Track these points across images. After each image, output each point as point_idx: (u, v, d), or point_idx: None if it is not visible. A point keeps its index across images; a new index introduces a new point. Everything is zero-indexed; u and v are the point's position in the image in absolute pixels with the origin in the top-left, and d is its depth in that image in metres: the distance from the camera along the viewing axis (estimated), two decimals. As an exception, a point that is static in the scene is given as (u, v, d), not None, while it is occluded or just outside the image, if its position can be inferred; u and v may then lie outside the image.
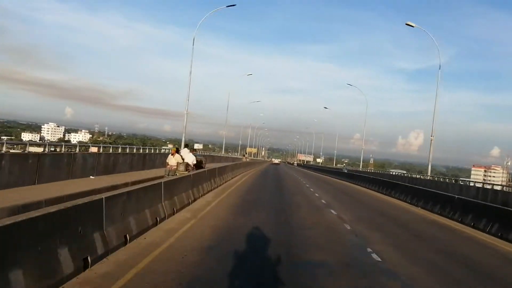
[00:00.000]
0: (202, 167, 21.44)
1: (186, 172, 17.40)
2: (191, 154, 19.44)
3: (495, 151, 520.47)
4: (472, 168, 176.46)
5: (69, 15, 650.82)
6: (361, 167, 74.18)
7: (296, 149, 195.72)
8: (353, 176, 45.74)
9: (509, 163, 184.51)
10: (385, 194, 29.08)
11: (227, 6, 46.43)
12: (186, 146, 24.28)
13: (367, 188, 35.03)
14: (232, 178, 30.11)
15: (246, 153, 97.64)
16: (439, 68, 38.84)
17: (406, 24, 38.98)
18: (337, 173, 59.95)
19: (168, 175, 17.21)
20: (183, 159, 18.38)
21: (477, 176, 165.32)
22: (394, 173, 61.56)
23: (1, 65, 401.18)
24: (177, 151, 18.79)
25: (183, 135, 39.12)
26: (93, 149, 25.59)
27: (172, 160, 18.15)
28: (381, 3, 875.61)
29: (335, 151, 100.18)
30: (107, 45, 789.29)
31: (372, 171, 76.71)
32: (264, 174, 45.66)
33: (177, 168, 17.79)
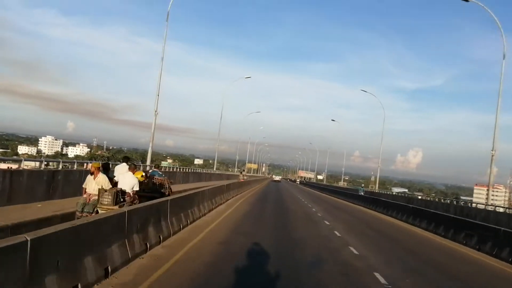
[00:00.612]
0: (163, 194, 14.90)
1: (116, 206, 10.29)
2: (130, 174, 11.89)
3: (493, 171, 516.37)
4: (475, 187, 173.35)
5: (73, 29, 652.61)
6: (377, 188, 69.61)
7: (297, 166, 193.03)
8: (376, 202, 36.12)
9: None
10: (428, 231, 22.09)
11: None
12: (125, 159, 14.78)
13: (397, 219, 27.80)
14: (219, 205, 21.91)
15: (244, 170, 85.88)
16: (503, 58, 31.37)
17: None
18: (352, 195, 48.97)
19: (82, 211, 10.59)
20: (114, 183, 11.43)
21: (479, 195, 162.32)
22: (420, 197, 58.50)
23: (4, 78, 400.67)
24: (105, 169, 11.69)
25: (150, 145, 32.67)
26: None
27: (91, 185, 10.83)
28: (382, 24, 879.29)
29: (343, 169, 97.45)
30: (110, 60, 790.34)
31: (379, 191, 73.64)
32: (263, 198, 36.24)
33: (98, 199, 10.52)
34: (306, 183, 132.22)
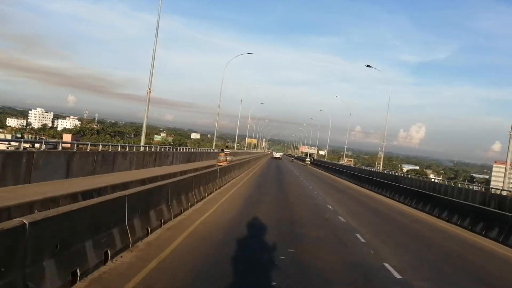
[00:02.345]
0: None
1: None
2: None
3: (497, 146, 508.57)
4: (494, 165, 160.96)
5: (74, 3, 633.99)
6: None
7: (298, 141, 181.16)
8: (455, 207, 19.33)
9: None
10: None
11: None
12: None
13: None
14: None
15: (226, 147, 49.68)
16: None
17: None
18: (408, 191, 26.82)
19: None
20: None
21: (499, 173, 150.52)
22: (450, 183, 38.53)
23: (4, 52, 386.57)
24: None
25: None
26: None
27: None
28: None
29: (345, 145, 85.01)
30: (111, 34, 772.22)
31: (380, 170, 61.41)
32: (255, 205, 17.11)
33: None
34: (315, 162, 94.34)
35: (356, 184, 38.39)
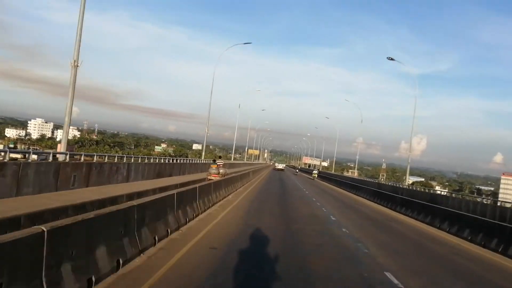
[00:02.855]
0: None
1: None
2: None
3: (498, 157, 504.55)
4: (502, 177, 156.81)
5: (77, 14, 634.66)
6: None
7: (301, 152, 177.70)
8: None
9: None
10: None
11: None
12: None
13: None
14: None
15: (219, 157, 39.32)
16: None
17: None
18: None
19: None
20: None
21: (507, 186, 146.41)
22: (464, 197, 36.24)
23: (6, 62, 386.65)
24: None
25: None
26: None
27: None
28: (387, 9, 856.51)
29: (357, 156, 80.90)
30: (113, 45, 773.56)
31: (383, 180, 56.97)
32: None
33: None
34: (322, 175, 79.56)
35: (383, 206, 29.27)
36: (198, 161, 43.65)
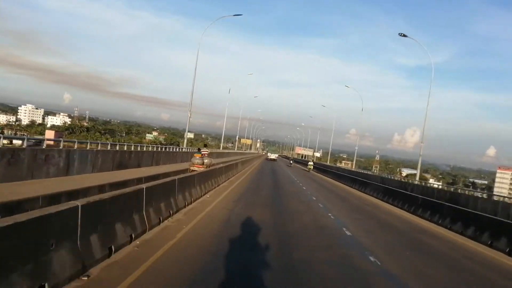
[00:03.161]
0: None
1: None
2: None
3: (491, 151, 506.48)
4: (498, 170, 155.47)
5: (72, 0, 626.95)
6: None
7: (294, 142, 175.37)
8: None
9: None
10: None
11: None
12: None
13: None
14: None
15: (205, 146, 44.40)
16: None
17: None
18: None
19: None
20: None
21: (503, 180, 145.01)
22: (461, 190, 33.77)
23: (0, 48, 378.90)
24: None
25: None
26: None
27: None
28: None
29: (356, 148, 78.12)
30: (108, 32, 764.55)
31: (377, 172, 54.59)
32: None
33: None
34: (317, 166, 74.20)
35: (400, 208, 24.11)
36: (178, 150, 39.03)
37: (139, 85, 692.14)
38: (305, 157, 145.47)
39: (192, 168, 23.38)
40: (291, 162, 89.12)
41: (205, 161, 24.24)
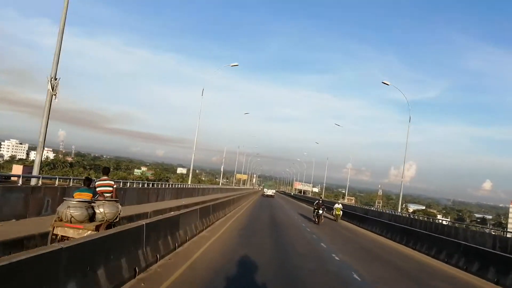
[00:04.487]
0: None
1: None
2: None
3: (487, 184, 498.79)
4: (511, 205, 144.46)
5: (68, 39, 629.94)
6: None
7: (290, 177, 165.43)
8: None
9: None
10: None
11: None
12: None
13: None
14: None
15: (104, 175, 10.81)
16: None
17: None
18: None
19: None
20: None
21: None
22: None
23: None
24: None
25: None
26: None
27: None
28: (375, 36, 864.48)
29: (349, 180, 69.15)
30: (104, 70, 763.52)
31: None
32: None
33: None
34: (348, 210, 44.28)
35: None
36: (166, 186, 31.46)
37: (135, 122, 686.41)
38: (303, 193, 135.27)
39: (56, 227, 8.40)
40: (320, 211, 31.17)
41: (101, 209, 8.84)
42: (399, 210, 45.60)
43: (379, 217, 37.77)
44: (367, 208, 60.49)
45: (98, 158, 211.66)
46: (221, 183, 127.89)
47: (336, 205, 38.10)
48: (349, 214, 39.81)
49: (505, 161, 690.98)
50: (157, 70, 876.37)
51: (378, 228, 29.56)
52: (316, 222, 30.19)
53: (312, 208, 34.13)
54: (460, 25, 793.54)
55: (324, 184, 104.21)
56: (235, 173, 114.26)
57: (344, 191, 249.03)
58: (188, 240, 13.47)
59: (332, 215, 37.22)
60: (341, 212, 37.13)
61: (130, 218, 15.36)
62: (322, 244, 18.64)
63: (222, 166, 72.82)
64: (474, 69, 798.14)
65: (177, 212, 14.30)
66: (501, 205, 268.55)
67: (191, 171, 44.04)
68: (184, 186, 40.37)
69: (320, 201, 31.64)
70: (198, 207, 17.16)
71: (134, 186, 25.47)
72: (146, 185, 28.10)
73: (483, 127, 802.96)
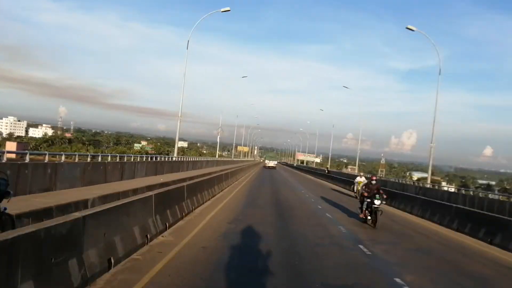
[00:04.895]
0: None
1: None
2: None
3: (488, 150, 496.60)
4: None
5: (64, 14, 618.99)
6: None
7: (292, 148, 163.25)
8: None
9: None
10: None
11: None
12: None
13: None
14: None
15: None
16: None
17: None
18: None
19: None
20: None
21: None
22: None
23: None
24: None
25: None
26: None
27: None
28: (374, 4, 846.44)
29: (358, 151, 66.15)
30: (101, 45, 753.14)
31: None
32: None
33: None
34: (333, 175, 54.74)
35: None
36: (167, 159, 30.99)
37: (134, 96, 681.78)
38: (306, 163, 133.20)
39: None
40: (377, 202, 15.95)
41: None
42: (429, 182, 38.59)
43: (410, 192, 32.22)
44: (404, 182, 47.01)
45: (98, 134, 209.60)
46: (222, 155, 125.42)
47: (358, 178, 30.17)
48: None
49: (506, 127, 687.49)
50: (154, 44, 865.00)
51: (420, 209, 21.23)
52: (369, 222, 15.94)
53: (329, 186, 22.14)
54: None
55: (330, 154, 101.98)
56: (233, 145, 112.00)
57: (345, 161, 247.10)
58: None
59: (353, 191, 30.48)
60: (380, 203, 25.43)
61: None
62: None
63: (218, 137, 70.24)
64: (473, 37, 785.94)
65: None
66: (502, 170, 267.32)
67: (176, 142, 40.74)
68: (170, 159, 35.00)
69: (373, 181, 16.56)
70: (159, 190, 11.54)
71: (77, 160, 18.56)
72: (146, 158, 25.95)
73: (483, 94, 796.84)
